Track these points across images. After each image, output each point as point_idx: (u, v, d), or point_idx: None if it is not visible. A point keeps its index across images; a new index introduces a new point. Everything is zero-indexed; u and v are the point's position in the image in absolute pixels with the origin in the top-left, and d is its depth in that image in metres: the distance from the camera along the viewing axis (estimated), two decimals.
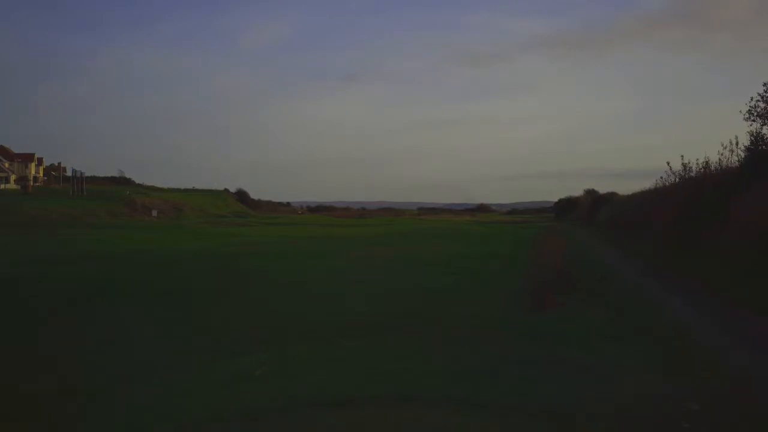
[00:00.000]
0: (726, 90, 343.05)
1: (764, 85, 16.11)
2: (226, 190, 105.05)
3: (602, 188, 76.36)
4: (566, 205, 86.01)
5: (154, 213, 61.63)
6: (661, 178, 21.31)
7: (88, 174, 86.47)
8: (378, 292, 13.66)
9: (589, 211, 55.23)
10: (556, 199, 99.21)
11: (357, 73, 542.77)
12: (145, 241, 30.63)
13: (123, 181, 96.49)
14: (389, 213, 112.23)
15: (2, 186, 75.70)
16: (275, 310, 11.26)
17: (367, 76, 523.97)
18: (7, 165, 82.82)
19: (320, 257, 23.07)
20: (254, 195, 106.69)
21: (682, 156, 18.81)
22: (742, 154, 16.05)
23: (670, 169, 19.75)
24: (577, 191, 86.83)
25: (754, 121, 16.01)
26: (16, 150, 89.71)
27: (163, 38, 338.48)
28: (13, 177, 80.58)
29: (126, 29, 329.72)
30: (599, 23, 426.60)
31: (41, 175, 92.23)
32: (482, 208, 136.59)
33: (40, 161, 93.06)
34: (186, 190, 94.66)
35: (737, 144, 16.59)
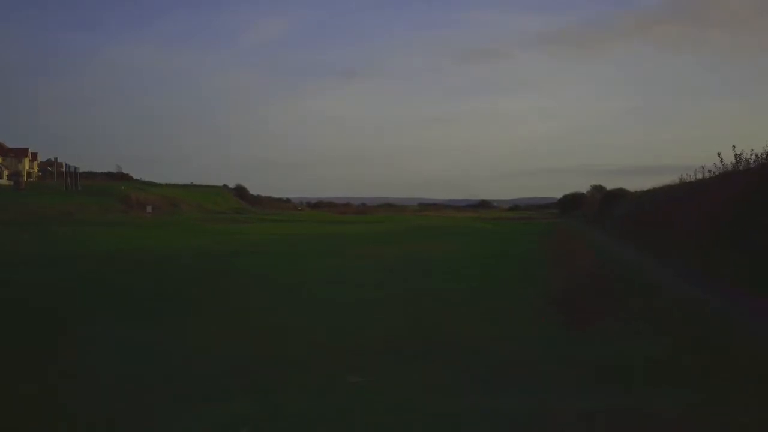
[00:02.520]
0: (725, 88, 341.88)
1: None
2: (224, 185, 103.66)
3: (603, 184, 74.96)
4: (571, 201, 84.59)
5: (149, 209, 59.91)
6: (709, 170, 18.74)
7: (86, 170, 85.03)
8: (379, 297, 12.53)
9: (598, 207, 53.66)
10: (557, 196, 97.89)
11: (357, 70, 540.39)
12: (135, 239, 29.06)
13: (120, 177, 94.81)
14: (390, 209, 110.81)
15: None
16: (272, 325, 9.77)
17: (367, 74, 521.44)
18: (0, 160, 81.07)
19: (320, 258, 22.03)
20: (253, 191, 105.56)
21: (734, 146, 16.43)
22: None
23: (721, 161, 17.30)
24: (579, 187, 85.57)
25: None
26: (10, 145, 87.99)
27: (162, 36, 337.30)
28: (5, 172, 78.77)
29: (126, 28, 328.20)
30: (599, 21, 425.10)
31: (35, 170, 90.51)
32: (484, 204, 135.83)
33: (34, 156, 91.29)
34: (184, 186, 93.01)
35: None
